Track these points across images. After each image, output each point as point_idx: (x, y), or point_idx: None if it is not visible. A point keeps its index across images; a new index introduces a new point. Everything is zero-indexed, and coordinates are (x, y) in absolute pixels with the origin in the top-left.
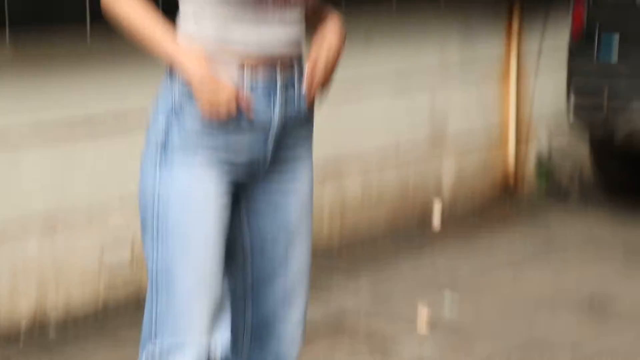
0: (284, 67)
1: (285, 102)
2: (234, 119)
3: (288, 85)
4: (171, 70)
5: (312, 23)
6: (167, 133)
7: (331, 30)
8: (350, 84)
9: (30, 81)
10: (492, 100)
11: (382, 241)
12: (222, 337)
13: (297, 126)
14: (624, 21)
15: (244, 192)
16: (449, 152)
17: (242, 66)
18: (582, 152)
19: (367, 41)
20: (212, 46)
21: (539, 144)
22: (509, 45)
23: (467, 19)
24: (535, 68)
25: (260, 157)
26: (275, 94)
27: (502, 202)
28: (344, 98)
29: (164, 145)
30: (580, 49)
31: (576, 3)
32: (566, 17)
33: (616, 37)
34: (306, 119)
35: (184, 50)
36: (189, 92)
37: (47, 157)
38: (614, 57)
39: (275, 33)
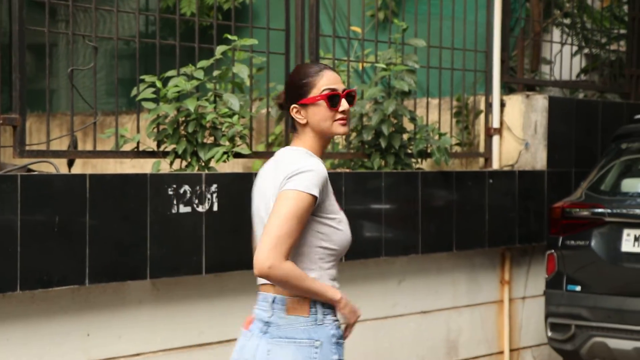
0: None
1: None
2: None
3: None
4: (323, 313)
5: None
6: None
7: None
8: (384, 314)
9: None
10: (491, 324)
11: None
12: None
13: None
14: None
15: None
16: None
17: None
18: None
19: (399, 282)
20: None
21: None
22: (502, 288)
23: (472, 262)
24: (522, 297)
25: None
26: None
27: None
28: (380, 325)
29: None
30: (553, 283)
31: (549, 260)
32: (542, 266)
33: (578, 287)
34: None
35: (334, 290)
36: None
37: None
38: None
39: None
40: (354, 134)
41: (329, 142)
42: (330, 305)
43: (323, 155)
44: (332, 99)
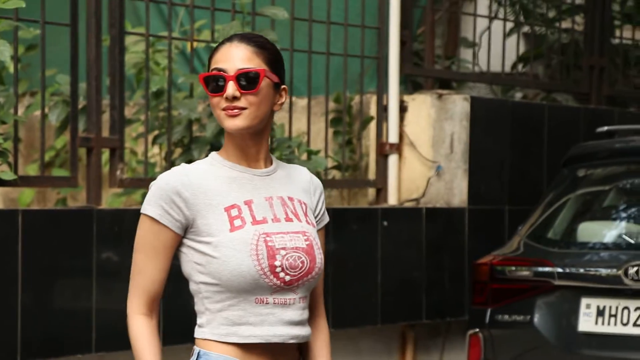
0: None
1: None
2: None
3: None
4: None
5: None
6: None
7: None
8: None
9: None
10: None
11: None
12: None
13: None
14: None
15: None
16: None
17: None
18: None
19: None
20: None
21: None
22: None
23: (357, 348)
24: None
25: None
26: None
27: None
28: None
29: None
30: None
31: (472, 344)
32: (463, 352)
33: None
34: None
35: None
36: None
37: None
38: None
39: None
40: (178, 151)
41: (244, 139)
42: None
43: (257, 158)
44: (210, 81)
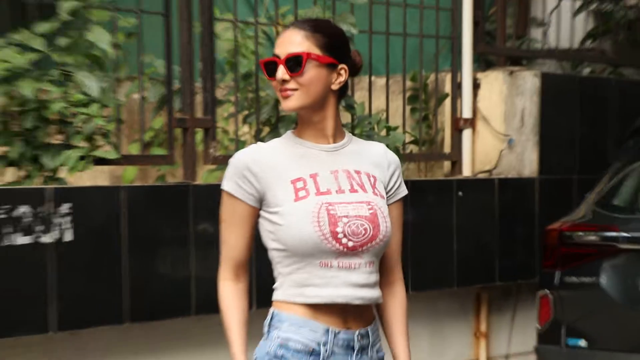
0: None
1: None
2: None
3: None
4: (269, 327)
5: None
6: None
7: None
8: None
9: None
10: None
11: None
12: None
13: None
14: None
15: None
16: None
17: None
18: None
19: None
20: None
21: None
22: (477, 343)
23: (436, 308)
24: (505, 355)
25: None
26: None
27: None
28: None
29: None
30: (548, 336)
31: (542, 304)
32: (533, 312)
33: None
34: None
35: (237, 350)
36: (284, 344)
37: None
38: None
39: None
40: (266, 130)
41: (309, 117)
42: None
43: (327, 136)
44: (267, 66)
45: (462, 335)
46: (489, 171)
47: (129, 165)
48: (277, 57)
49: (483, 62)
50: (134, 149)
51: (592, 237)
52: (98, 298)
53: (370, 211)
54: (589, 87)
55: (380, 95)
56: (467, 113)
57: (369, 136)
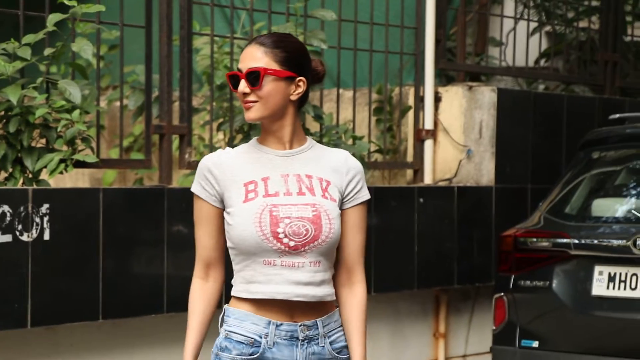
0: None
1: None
2: None
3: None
4: (221, 321)
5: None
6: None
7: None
8: None
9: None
10: None
11: None
12: None
13: None
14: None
15: None
16: None
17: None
18: None
19: None
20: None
21: None
22: (436, 343)
23: (397, 309)
24: (462, 355)
25: None
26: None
27: None
28: None
29: None
30: (502, 337)
31: (497, 307)
32: (489, 314)
33: (535, 343)
34: None
35: (188, 352)
36: (228, 336)
37: None
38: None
39: None
40: (239, 137)
41: (268, 126)
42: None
43: (282, 144)
44: (232, 79)
45: (421, 336)
46: (449, 180)
47: (107, 168)
48: (240, 71)
49: (444, 78)
50: (115, 154)
51: (544, 243)
52: (74, 295)
53: (314, 213)
54: (542, 102)
55: (348, 107)
56: (428, 125)
57: (336, 145)
